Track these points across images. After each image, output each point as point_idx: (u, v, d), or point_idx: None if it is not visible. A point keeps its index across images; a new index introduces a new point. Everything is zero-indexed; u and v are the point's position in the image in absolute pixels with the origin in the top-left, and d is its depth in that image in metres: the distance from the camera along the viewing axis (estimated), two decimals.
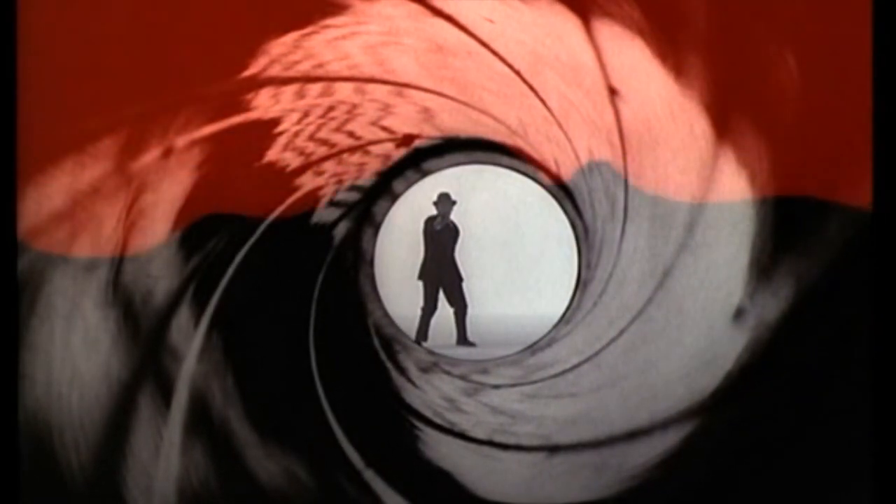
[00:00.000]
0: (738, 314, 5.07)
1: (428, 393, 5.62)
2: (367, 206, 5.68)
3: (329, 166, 5.53)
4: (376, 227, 5.74)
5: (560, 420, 5.33)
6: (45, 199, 5.02)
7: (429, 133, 5.61)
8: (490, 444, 5.37)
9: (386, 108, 5.53)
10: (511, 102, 5.49)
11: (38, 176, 5.02)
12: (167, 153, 5.10)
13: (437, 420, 5.45)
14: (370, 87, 5.41)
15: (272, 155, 5.26)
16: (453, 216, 5.86)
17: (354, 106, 5.48)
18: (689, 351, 5.16)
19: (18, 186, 5.00)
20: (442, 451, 5.34)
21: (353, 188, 5.66)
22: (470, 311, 5.97)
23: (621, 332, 5.41)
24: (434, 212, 5.88)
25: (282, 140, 5.30)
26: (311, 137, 5.43)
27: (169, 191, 5.12)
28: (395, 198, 5.76)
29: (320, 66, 5.29)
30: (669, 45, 5.11)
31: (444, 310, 6.01)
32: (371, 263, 5.71)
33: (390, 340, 5.78)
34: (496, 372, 5.78)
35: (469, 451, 5.35)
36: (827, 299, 5.00)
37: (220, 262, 5.18)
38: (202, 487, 5.07)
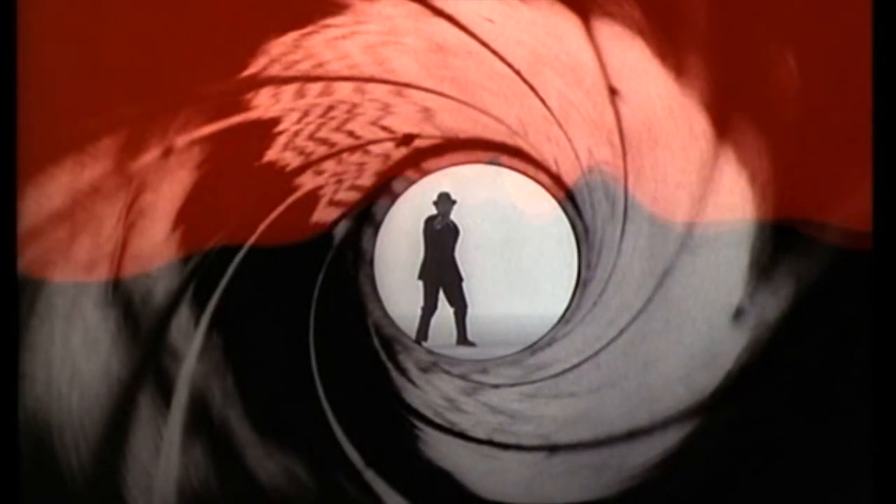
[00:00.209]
0: (738, 314, 5.07)
1: (428, 393, 5.62)
2: (367, 205, 5.67)
3: (329, 166, 5.53)
4: (376, 227, 5.73)
5: (560, 420, 5.33)
6: (45, 199, 5.02)
7: (429, 133, 5.61)
8: (490, 443, 5.37)
9: (386, 108, 5.53)
10: (511, 102, 5.49)
11: (38, 176, 5.02)
12: (167, 153, 5.09)
13: (437, 420, 5.45)
14: (370, 86, 5.41)
15: (272, 154, 5.26)
16: (453, 216, 5.86)
17: (354, 105, 5.47)
18: (689, 351, 5.16)
19: (18, 186, 5.00)
20: (442, 450, 5.34)
21: (352, 188, 5.65)
22: (470, 311, 5.97)
23: (621, 332, 5.41)
24: (434, 212, 5.87)
25: (282, 140, 5.30)
26: (311, 137, 5.43)
27: (169, 191, 5.11)
28: (395, 198, 5.76)
29: (320, 65, 5.29)
30: (669, 45, 5.10)
31: (444, 310, 6.01)
32: (371, 263, 5.70)
33: (390, 340, 5.77)
34: (496, 372, 5.78)
35: (469, 450, 5.35)
36: (827, 299, 5.00)
37: (219, 263, 5.17)
38: (202, 487, 5.07)
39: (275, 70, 5.19)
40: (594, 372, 5.38)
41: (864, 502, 4.95)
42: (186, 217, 5.14)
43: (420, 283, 6.04)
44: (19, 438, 4.96)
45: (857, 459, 4.98)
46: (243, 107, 5.18)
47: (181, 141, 5.11)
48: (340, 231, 5.55)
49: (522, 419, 5.41)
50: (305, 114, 5.36)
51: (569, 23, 5.20)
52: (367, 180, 5.67)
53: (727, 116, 5.09)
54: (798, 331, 5.03)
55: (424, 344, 5.97)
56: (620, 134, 5.39)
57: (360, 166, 5.66)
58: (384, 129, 5.61)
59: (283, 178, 5.31)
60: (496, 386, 5.68)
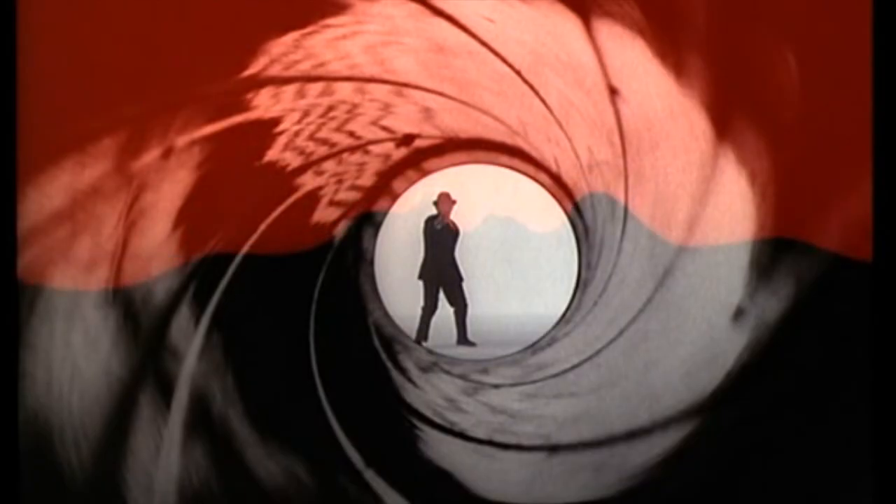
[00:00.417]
0: (738, 314, 5.07)
1: (428, 392, 5.62)
2: (367, 205, 5.67)
3: (329, 166, 5.53)
4: (376, 227, 5.73)
5: (560, 420, 5.33)
6: (45, 199, 5.02)
7: (429, 133, 5.61)
8: (490, 443, 5.37)
9: (386, 108, 5.53)
10: (511, 102, 5.49)
11: (38, 176, 5.02)
12: (167, 153, 5.09)
13: (437, 420, 5.45)
14: (370, 86, 5.41)
15: (272, 154, 5.26)
16: (453, 216, 5.86)
17: (355, 105, 5.47)
18: (689, 351, 5.16)
19: (18, 186, 5.00)
20: (442, 450, 5.34)
21: (353, 188, 5.65)
22: (470, 311, 5.97)
23: (621, 332, 5.40)
24: (434, 211, 5.87)
25: (282, 140, 5.30)
26: (312, 137, 5.43)
27: (169, 190, 5.11)
28: (395, 198, 5.75)
29: (320, 65, 5.29)
30: (670, 45, 5.10)
31: (444, 309, 6.01)
32: (371, 263, 5.70)
33: (390, 340, 5.77)
34: (496, 371, 5.77)
35: (469, 450, 5.35)
36: (827, 299, 5.00)
37: (220, 263, 5.17)
38: (202, 487, 5.07)
39: (275, 70, 5.19)
40: (594, 372, 5.38)
41: (865, 502, 4.95)
42: (187, 217, 5.13)
43: (420, 283, 6.03)
44: (19, 438, 4.96)
45: (857, 459, 4.98)
46: (243, 107, 5.18)
47: (181, 141, 5.11)
48: (340, 231, 5.55)
49: (523, 419, 5.41)
50: (306, 114, 5.36)
51: (569, 23, 5.20)
52: (367, 180, 5.66)
53: (727, 116, 5.09)
54: (798, 331, 5.03)
55: (424, 344, 5.96)
56: (620, 134, 5.39)
57: (361, 166, 5.66)
58: (384, 129, 5.61)
59: (284, 179, 5.31)
60: (496, 386, 5.68)
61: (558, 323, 5.75)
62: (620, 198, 5.50)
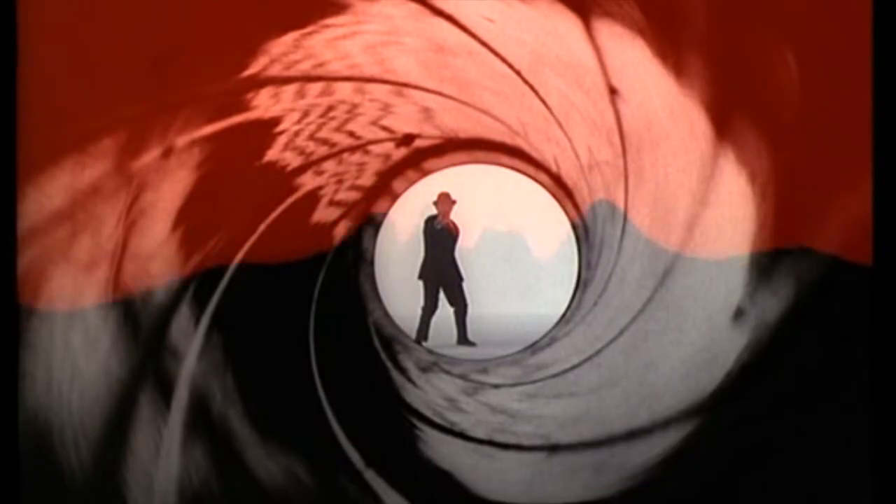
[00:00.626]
0: (738, 314, 5.07)
1: (428, 392, 5.62)
2: (367, 205, 5.67)
3: (329, 166, 5.53)
4: (376, 227, 5.73)
5: (560, 419, 5.33)
6: (45, 198, 5.02)
7: (429, 133, 5.61)
8: (490, 443, 5.37)
9: (386, 108, 5.53)
10: (511, 102, 5.49)
11: (39, 176, 5.02)
12: (167, 153, 5.10)
13: (437, 420, 5.45)
14: (370, 86, 5.41)
15: (272, 154, 5.26)
16: (453, 216, 5.86)
17: (354, 105, 5.48)
18: (689, 351, 5.16)
19: (18, 186, 5.00)
20: (442, 450, 5.34)
21: (353, 188, 5.65)
22: (470, 311, 5.97)
23: (621, 332, 5.41)
24: (434, 211, 5.87)
25: (282, 140, 5.30)
26: (312, 137, 5.43)
27: (169, 190, 5.12)
28: (395, 197, 5.76)
29: (320, 65, 5.29)
30: (670, 45, 5.10)
31: (445, 309, 6.01)
32: (371, 263, 5.70)
33: (390, 340, 5.77)
34: (496, 371, 5.78)
35: (469, 450, 5.35)
36: (827, 299, 5.00)
37: (220, 262, 5.17)
38: (202, 487, 5.07)
39: (275, 70, 5.19)
40: (594, 372, 5.38)
41: (865, 502, 4.95)
42: (187, 217, 5.14)
43: (420, 283, 6.04)
44: (19, 438, 4.96)
45: (857, 459, 4.98)
46: (244, 107, 5.18)
47: (181, 141, 5.11)
48: (340, 231, 5.55)
49: (523, 419, 5.41)
50: (306, 114, 5.36)
51: (569, 23, 5.20)
52: (367, 180, 5.67)
53: (727, 116, 5.09)
54: (798, 331, 5.03)
55: (424, 344, 5.96)
56: (620, 134, 5.39)
57: (361, 166, 5.66)
58: (384, 129, 5.61)
59: (284, 178, 5.31)
60: (496, 386, 5.68)
61: (558, 323, 5.75)
62: (620, 197, 5.50)
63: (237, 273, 5.19)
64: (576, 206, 5.78)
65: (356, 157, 5.62)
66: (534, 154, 5.76)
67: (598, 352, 5.44)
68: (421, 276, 6.02)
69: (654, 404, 5.17)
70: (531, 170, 5.81)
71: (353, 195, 5.63)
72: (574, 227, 5.82)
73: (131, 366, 5.06)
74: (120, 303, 5.06)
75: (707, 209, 5.17)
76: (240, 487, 5.09)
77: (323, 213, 5.49)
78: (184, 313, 5.13)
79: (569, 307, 5.76)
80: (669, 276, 5.26)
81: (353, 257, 5.64)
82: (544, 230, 5.88)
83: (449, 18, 5.26)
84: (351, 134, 5.57)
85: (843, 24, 5.01)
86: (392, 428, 5.37)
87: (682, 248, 5.23)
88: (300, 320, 5.31)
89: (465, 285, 6.04)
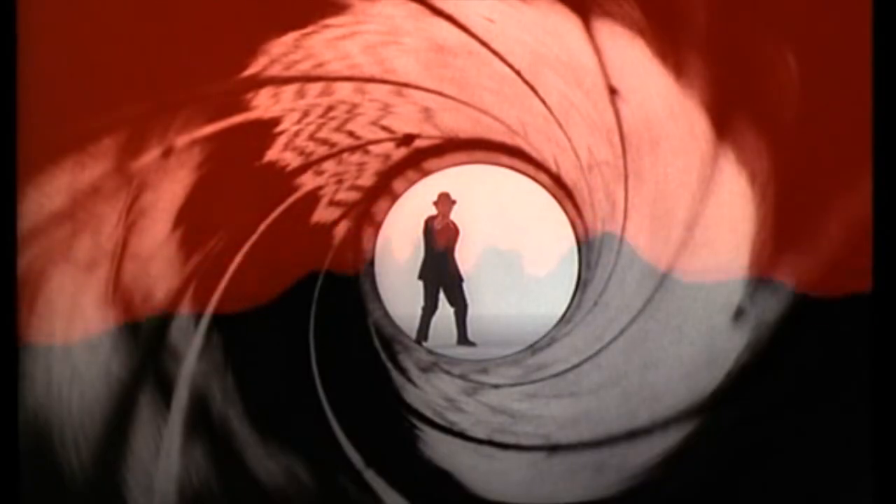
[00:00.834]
0: (738, 314, 5.07)
1: (428, 392, 5.62)
2: (367, 205, 5.67)
3: (329, 166, 5.53)
4: (376, 227, 5.73)
5: (560, 420, 5.33)
6: (45, 198, 5.02)
7: (429, 133, 5.61)
8: (490, 443, 5.37)
9: (386, 108, 5.53)
10: (511, 102, 5.49)
11: (39, 176, 5.02)
12: (167, 153, 5.09)
13: (437, 420, 5.45)
14: (370, 86, 5.41)
15: (272, 155, 5.26)
16: (453, 216, 5.86)
17: (354, 105, 5.47)
18: (689, 351, 5.16)
19: (18, 186, 5.00)
20: (442, 450, 5.34)
21: (353, 188, 5.65)
22: (470, 311, 5.97)
23: (622, 332, 5.40)
24: (434, 211, 5.87)
25: (282, 140, 5.30)
26: (312, 137, 5.43)
27: (169, 190, 5.12)
28: (395, 198, 5.75)
29: (320, 65, 5.29)
30: (670, 45, 5.10)
31: (445, 310, 6.00)
32: (371, 263, 5.70)
33: (390, 340, 5.77)
34: (496, 371, 5.77)
35: (469, 450, 5.35)
36: (827, 299, 5.00)
37: (219, 263, 5.17)
38: (202, 487, 5.07)
39: (275, 70, 5.19)
40: (594, 372, 5.38)
41: (865, 502, 4.95)
42: (187, 217, 5.14)
43: (420, 283, 6.03)
44: (19, 438, 4.96)
45: (857, 459, 4.98)
46: (243, 107, 5.18)
47: (181, 141, 5.11)
48: (340, 231, 5.55)
49: (523, 419, 5.41)
50: (305, 114, 5.36)
51: (569, 23, 5.20)
52: (367, 180, 5.66)
53: (727, 116, 5.09)
54: (798, 331, 5.03)
55: (424, 344, 5.95)
56: (620, 134, 5.39)
57: (361, 166, 5.66)
58: (384, 129, 5.61)
59: (284, 178, 5.31)
60: (496, 386, 5.68)
61: (558, 323, 5.75)
62: (620, 197, 5.50)
63: (237, 272, 5.19)
64: (575, 205, 5.77)
65: (356, 157, 5.62)
66: (534, 154, 5.75)
67: (598, 352, 5.44)
68: (421, 276, 6.01)
69: (654, 404, 5.16)
70: (531, 170, 5.80)
71: (353, 195, 5.63)
72: (574, 226, 5.82)
73: (131, 366, 5.06)
74: (120, 303, 5.06)
75: (707, 209, 5.17)
76: (240, 487, 5.09)
77: (323, 213, 5.49)
78: (184, 313, 5.13)
79: (569, 307, 5.76)
80: (669, 276, 5.25)
81: (353, 257, 5.64)
82: (544, 230, 5.88)
83: (449, 18, 5.26)
84: (351, 134, 5.57)
85: (843, 24, 5.01)
86: (392, 428, 5.36)
87: (682, 248, 5.22)
88: (300, 320, 5.30)
89: (465, 285, 6.04)
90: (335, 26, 5.19)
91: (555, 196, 5.82)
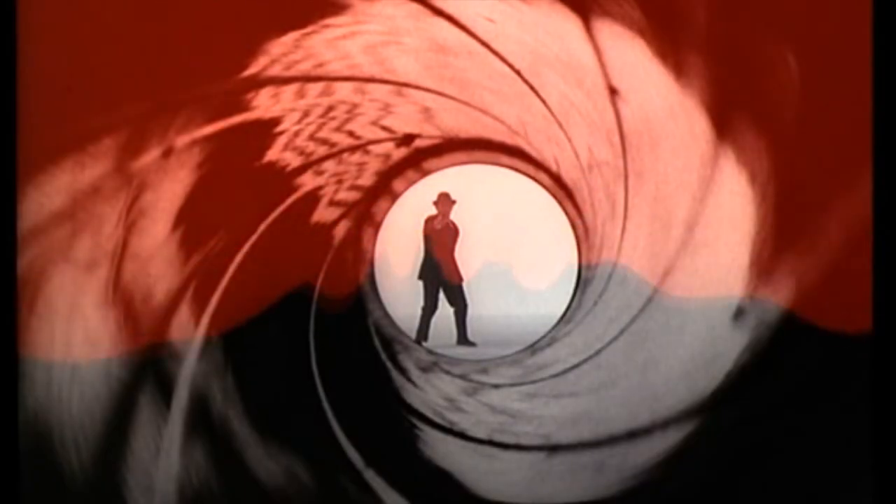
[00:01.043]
0: (738, 314, 5.07)
1: (428, 392, 5.62)
2: (367, 205, 5.67)
3: (329, 166, 5.53)
4: (376, 227, 5.73)
5: (560, 419, 5.33)
6: (45, 198, 5.02)
7: (429, 133, 5.61)
8: (490, 443, 5.37)
9: (386, 108, 5.53)
10: (511, 102, 5.49)
11: (39, 176, 5.02)
12: (167, 153, 5.09)
13: (437, 420, 5.45)
14: (370, 86, 5.41)
15: (272, 155, 5.26)
16: (453, 216, 5.86)
17: (354, 105, 5.47)
18: (689, 351, 5.16)
19: (18, 186, 5.00)
20: (442, 450, 5.34)
21: (353, 188, 5.65)
22: (470, 311, 5.97)
23: (622, 332, 5.40)
24: (434, 211, 5.87)
25: (282, 140, 5.30)
26: (312, 137, 5.43)
27: (169, 190, 5.11)
28: (395, 197, 5.75)
29: (320, 65, 5.29)
30: (670, 45, 5.10)
31: (444, 310, 6.01)
32: (371, 263, 5.70)
33: (390, 340, 5.77)
34: (496, 371, 5.77)
35: (469, 450, 5.35)
36: (827, 299, 5.00)
37: (220, 262, 5.17)
38: (202, 487, 5.07)
39: (275, 70, 5.19)
40: (594, 372, 5.38)
41: (865, 502, 4.95)
42: (187, 217, 5.14)
43: (420, 283, 6.03)
44: (19, 438, 4.96)
45: (857, 459, 4.98)
46: (243, 107, 5.18)
47: (181, 141, 5.11)
48: (340, 231, 5.55)
49: (523, 419, 5.41)
50: (306, 114, 5.36)
51: (569, 23, 5.20)
52: (367, 180, 5.66)
53: (727, 116, 5.09)
54: (798, 331, 5.03)
55: (424, 344, 5.95)
56: (620, 134, 5.39)
57: (361, 166, 5.66)
58: (384, 129, 5.61)
59: (284, 178, 5.31)
60: (496, 386, 5.68)
61: (558, 323, 5.75)
62: (620, 197, 5.50)
63: (237, 272, 5.19)
64: (576, 205, 5.77)
65: (356, 157, 5.62)
66: (534, 154, 5.76)
67: (598, 352, 5.44)
68: (421, 276, 6.01)
69: (654, 404, 5.16)
70: (531, 170, 5.81)
71: (353, 195, 5.63)
72: (574, 226, 5.81)
73: (131, 366, 5.06)
74: (120, 303, 5.06)
75: (707, 209, 5.17)
76: (240, 487, 5.09)
77: (323, 213, 5.49)
78: (184, 313, 5.13)
79: (569, 307, 5.76)
80: (669, 276, 5.26)
81: (353, 257, 5.64)
82: (544, 230, 5.88)
83: (449, 18, 5.26)
84: (351, 134, 5.57)
85: (843, 24, 5.01)
86: (392, 428, 5.36)
87: (683, 249, 5.22)
88: (300, 320, 5.30)
89: (465, 285, 6.04)
90: (335, 26, 5.19)
91: (555, 196, 5.82)
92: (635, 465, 5.14)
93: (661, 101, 5.17)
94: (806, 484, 5.02)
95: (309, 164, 5.42)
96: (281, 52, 5.16)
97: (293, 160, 5.35)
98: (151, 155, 5.08)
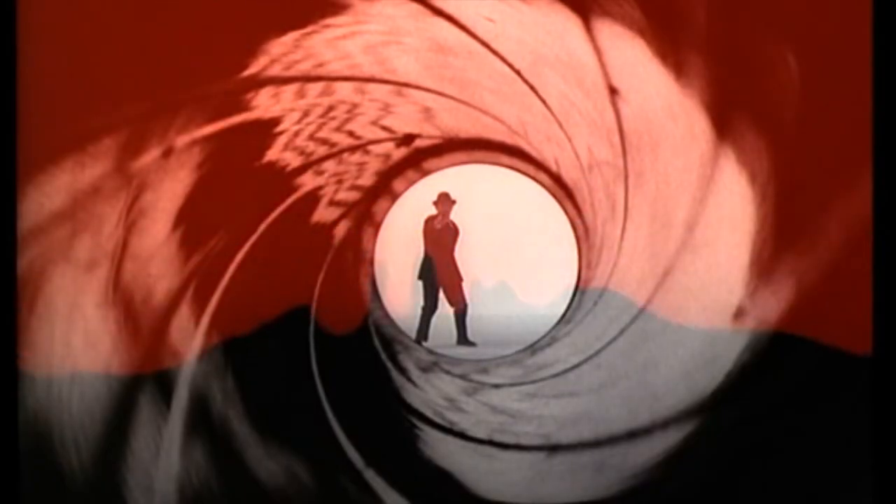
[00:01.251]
0: (738, 314, 5.07)
1: (428, 392, 5.62)
2: (367, 205, 5.67)
3: (329, 166, 5.53)
4: (376, 227, 5.73)
5: (560, 419, 5.33)
6: (45, 198, 5.02)
7: (429, 133, 5.61)
8: (490, 443, 5.37)
9: (386, 108, 5.53)
10: (511, 102, 5.49)
11: (39, 175, 5.02)
12: (167, 153, 5.09)
13: (438, 419, 5.45)
14: (370, 86, 5.41)
15: (272, 155, 5.26)
16: (453, 216, 5.86)
17: (355, 105, 5.47)
18: (689, 351, 5.16)
19: (19, 186, 5.00)
20: (442, 450, 5.34)
21: (353, 188, 5.65)
22: (470, 311, 5.97)
23: (622, 332, 5.40)
24: (434, 211, 5.87)
25: (282, 140, 5.30)
26: (312, 137, 5.43)
27: (169, 190, 5.12)
28: (395, 197, 5.75)
29: (320, 65, 5.29)
30: (670, 45, 5.10)
31: (444, 309, 6.01)
32: (371, 263, 5.70)
33: (390, 340, 5.77)
34: (496, 371, 5.77)
35: (469, 450, 5.35)
36: (827, 299, 5.00)
37: (220, 262, 5.17)
38: (202, 487, 5.07)
39: (275, 70, 5.19)
40: (595, 372, 5.38)
41: (865, 502, 4.95)
42: (187, 217, 5.14)
43: (420, 283, 6.03)
44: (19, 438, 4.96)
45: (857, 459, 4.98)
46: (243, 107, 5.18)
47: (181, 141, 5.11)
48: (340, 231, 5.55)
49: (523, 419, 5.41)
50: (306, 114, 5.36)
51: (569, 22, 5.20)
52: (367, 180, 5.66)
53: (727, 116, 5.09)
54: (798, 331, 5.03)
55: (425, 344, 5.96)
56: (621, 133, 5.39)
57: (361, 166, 5.66)
58: (385, 129, 5.61)
59: (284, 178, 5.31)
60: (497, 386, 5.68)
61: (558, 323, 5.75)
62: (620, 197, 5.50)
63: (237, 273, 5.19)
64: (576, 205, 5.77)
65: (356, 157, 5.62)
66: (534, 154, 5.76)
67: (598, 352, 5.44)
68: (421, 276, 6.01)
69: (654, 404, 5.16)
70: (531, 170, 5.81)
71: (353, 195, 5.63)
72: (574, 226, 5.82)
73: (131, 366, 5.06)
74: (120, 303, 5.06)
75: (707, 209, 5.17)
76: (240, 487, 5.09)
77: (323, 213, 5.49)
78: (184, 313, 5.13)
79: (569, 307, 5.76)
80: (669, 275, 5.26)
81: (353, 257, 5.64)
82: (544, 230, 5.88)
83: (449, 18, 5.26)
84: (351, 134, 5.57)
85: (843, 24, 5.01)
86: (392, 428, 5.36)
87: (682, 248, 5.22)
88: (300, 320, 5.30)
89: (465, 285, 6.04)
90: (335, 26, 5.19)
91: (555, 196, 5.82)
92: (635, 465, 5.14)
93: (661, 101, 5.17)
94: (806, 484, 5.02)
95: (309, 164, 5.42)
96: (281, 52, 5.16)
97: (293, 160, 5.35)
98: (151, 155, 5.08)
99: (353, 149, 5.61)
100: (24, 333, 4.99)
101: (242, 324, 5.18)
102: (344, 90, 5.40)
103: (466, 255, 5.99)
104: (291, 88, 5.28)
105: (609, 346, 5.42)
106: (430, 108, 5.54)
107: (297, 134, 5.35)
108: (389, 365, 5.64)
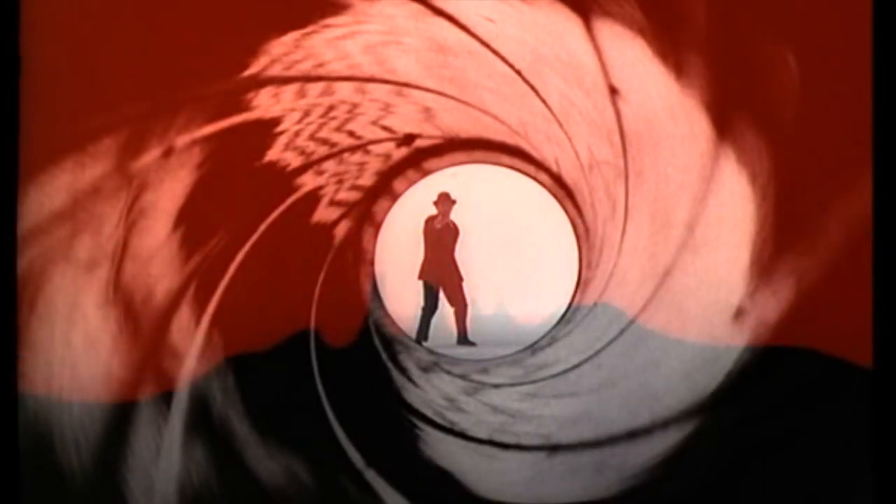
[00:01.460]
0: (738, 314, 5.07)
1: (428, 392, 5.63)
2: (368, 205, 5.68)
3: (329, 166, 5.53)
4: (376, 227, 5.73)
5: (560, 419, 5.33)
6: (45, 198, 5.02)
7: (429, 133, 5.61)
8: (490, 443, 5.37)
9: (386, 108, 5.53)
10: (511, 102, 5.50)
11: (39, 175, 5.02)
12: (167, 153, 5.10)
13: (438, 419, 5.46)
14: (371, 86, 5.41)
15: (273, 154, 5.27)
16: (453, 216, 5.86)
17: (355, 105, 5.48)
18: (689, 351, 5.16)
19: (19, 186, 5.00)
20: (442, 450, 5.34)
21: (353, 188, 5.66)
22: (470, 311, 5.98)
23: (622, 332, 5.41)
24: (434, 211, 5.88)
25: (282, 140, 5.30)
26: (312, 137, 5.43)
27: (170, 190, 5.12)
28: (395, 197, 5.76)
29: (321, 65, 5.29)
30: (670, 45, 5.11)
31: (445, 309, 6.01)
32: (371, 263, 5.70)
33: (391, 340, 5.78)
34: (496, 371, 5.78)
35: (469, 450, 5.36)
36: (827, 299, 5.00)
37: (220, 262, 5.18)
38: (202, 487, 5.07)
39: (275, 70, 5.19)
40: (595, 372, 5.38)
41: (865, 502, 4.95)
42: (187, 217, 5.14)
43: (420, 283, 6.04)
44: (19, 438, 4.96)
45: (857, 459, 4.98)
46: (244, 107, 5.18)
47: (182, 141, 5.11)
48: (340, 231, 5.55)
49: (523, 419, 5.41)
50: (306, 114, 5.36)
51: (569, 22, 5.20)
52: (367, 180, 5.67)
53: (727, 116, 5.10)
54: (798, 331, 5.03)
55: (425, 344, 5.96)
56: (621, 133, 5.40)
57: (361, 166, 5.66)
58: (385, 129, 5.61)
59: (284, 178, 5.32)
60: (497, 386, 5.68)
61: (558, 323, 5.75)
62: (620, 197, 5.50)
63: (237, 273, 5.19)
64: (576, 205, 5.78)
65: (356, 157, 5.62)
66: (534, 154, 5.76)
67: (598, 352, 5.45)
68: (421, 276, 6.02)
69: (654, 404, 5.17)
70: (531, 170, 5.81)
71: (353, 195, 5.64)
72: (574, 226, 5.82)
73: (131, 366, 5.06)
74: (120, 303, 5.07)
75: (707, 209, 5.17)
76: (240, 487, 5.09)
77: (323, 213, 5.49)
78: (184, 313, 5.13)
79: (569, 307, 5.76)
80: (669, 275, 5.26)
81: (353, 257, 5.64)
82: (544, 230, 5.88)
83: (449, 18, 5.26)
84: (351, 134, 5.57)
85: (843, 24, 5.01)
86: (392, 428, 5.37)
87: (682, 248, 5.23)
88: (300, 320, 5.30)
89: (465, 285, 6.04)
90: (335, 26, 5.19)
91: (555, 196, 5.82)
92: (635, 465, 5.14)
93: (661, 100, 5.17)
94: (806, 484, 5.02)
95: (309, 164, 5.43)
96: (281, 52, 5.16)
97: (293, 160, 5.35)
98: (152, 155, 5.08)
99: (353, 149, 5.61)
100: (24, 333, 4.99)
101: (243, 324, 5.18)
102: (344, 90, 5.40)
103: (466, 255, 5.99)
104: (292, 88, 5.28)
105: (609, 346, 5.42)
106: (430, 108, 5.55)
107: (297, 134, 5.36)
108: (390, 365, 5.65)
